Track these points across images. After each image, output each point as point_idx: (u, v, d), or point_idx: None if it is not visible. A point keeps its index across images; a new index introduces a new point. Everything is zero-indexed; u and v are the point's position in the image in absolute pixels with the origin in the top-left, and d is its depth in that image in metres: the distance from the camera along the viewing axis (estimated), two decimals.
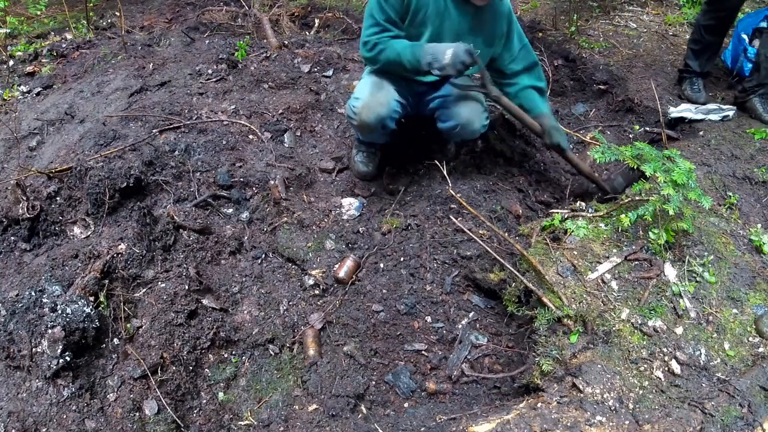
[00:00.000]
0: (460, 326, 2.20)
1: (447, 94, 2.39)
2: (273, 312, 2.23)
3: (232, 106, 2.98)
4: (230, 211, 2.52)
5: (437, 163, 2.42)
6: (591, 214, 2.19)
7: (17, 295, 1.99)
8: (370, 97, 2.31)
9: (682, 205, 1.94)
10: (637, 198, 2.10)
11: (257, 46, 3.67)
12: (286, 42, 3.66)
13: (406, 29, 2.29)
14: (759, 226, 2.18)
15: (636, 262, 2.00)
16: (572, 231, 2.12)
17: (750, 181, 2.41)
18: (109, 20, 4.56)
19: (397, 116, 2.40)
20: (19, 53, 4.00)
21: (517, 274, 2.00)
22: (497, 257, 2.11)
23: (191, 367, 2.03)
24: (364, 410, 1.97)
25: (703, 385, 1.70)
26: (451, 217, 2.38)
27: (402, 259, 2.35)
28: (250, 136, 2.83)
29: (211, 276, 2.28)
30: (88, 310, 1.91)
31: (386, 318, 2.21)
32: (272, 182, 2.56)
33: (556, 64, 3.49)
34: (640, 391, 1.67)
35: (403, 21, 2.26)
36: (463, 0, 2.25)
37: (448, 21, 2.28)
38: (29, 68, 3.80)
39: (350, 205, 2.56)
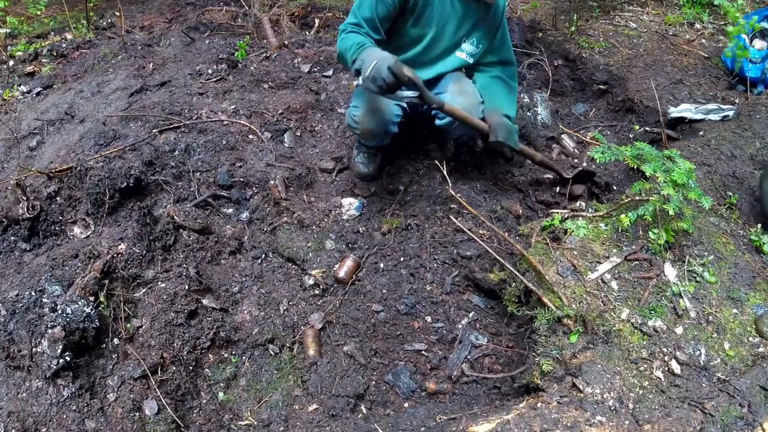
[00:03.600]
0: (460, 326, 2.20)
1: (442, 91, 2.40)
2: (273, 312, 2.23)
3: (232, 106, 2.98)
4: (230, 211, 2.52)
5: (437, 163, 2.42)
6: (591, 214, 2.19)
7: (17, 295, 1.99)
8: (369, 104, 2.30)
9: (682, 205, 1.94)
10: (637, 198, 2.10)
11: (257, 46, 3.67)
12: (286, 42, 3.66)
13: (409, 31, 2.28)
14: (759, 226, 2.18)
15: (636, 262, 2.00)
16: (572, 231, 2.12)
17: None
18: (109, 20, 4.56)
19: (399, 119, 2.39)
20: (19, 53, 4.00)
21: (517, 274, 2.00)
22: (497, 257, 2.11)
23: (191, 367, 2.03)
24: (364, 410, 1.97)
25: (703, 385, 1.70)
26: (451, 217, 2.38)
27: (402, 259, 2.35)
28: (250, 136, 2.83)
29: (211, 276, 2.28)
30: (88, 310, 1.91)
31: (386, 318, 2.21)
32: (272, 182, 2.56)
33: (556, 64, 3.49)
34: (640, 391, 1.67)
35: (393, 23, 2.24)
36: None
37: (453, 19, 2.28)
38: (29, 68, 3.80)
39: (350, 205, 2.56)
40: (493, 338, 2.18)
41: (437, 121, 2.44)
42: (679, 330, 1.83)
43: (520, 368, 1.98)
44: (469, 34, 2.37)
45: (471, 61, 2.46)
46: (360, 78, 1.97)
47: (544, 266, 2.00)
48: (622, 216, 2.05)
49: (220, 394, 2.04)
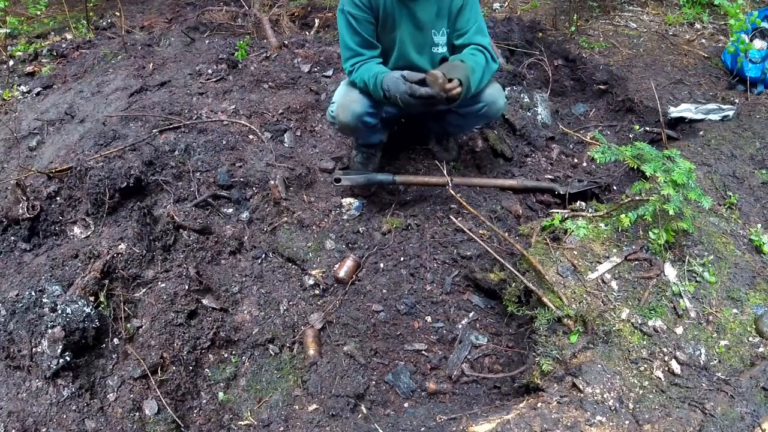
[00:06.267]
0: (460, 326, 2.20)
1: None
2: (273, 312, 2.23)
3: (232, 106, 2.98)
4: (230, 211, 2.52)
5: (437, 163, 2.41)
6: (591, 214, 2.19)
7: (17, 295, 1.99)
8: (344, 97, 2.32)
9: (682, 205, 1.94)
10: (637, 198, 2.10)
11: (257, 46, 3.67)
12: (286, 42, 3.66)
13: (381, 38, 2.28)
14: (759, 226, 2.18)
15: (636, 262, 2.00)
16: (572, 231, 2.12)
17: (750, 180, 2.41)
18: (109, 20, 4.56)
19: (374, 110, 2.33)
20: (19, 53, 4.00)
21: (517, 274, 2.00)
22: (497, 257, 2.11)
23: (191, 367, 2.04)
24: (364, 410, 1.97)
25: (703, 385, 1.70)
26: (451, 217, 2.38)
27: (402, 259, 2.35)
28: (250, 136, 2.83)
29: (211, 276, 2.28)
30: (88, 310, 1.91)
31: (386, 318, 2.21)
32: (272, 182, 2.56)
33: (556, 64, 3.49)
34: (640, 391, 1.67)
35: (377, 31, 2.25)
36: None
37: (414, 18, 2.24)
38: (29, 68, 3.81)
39: (350, 205, 2.56)
40: (493, 338, 2.18)
41: (462, 109, 2.31)
42: (679, 330, 1.83)
43: (520, 368, 1.98)
44: (434, 25, 2.29)
45: (446, 50, 2.36)
46: (398, 101, 2.13)
47: (544, 266, 2.00)
48: (622, 216, 2.05)
49: (220, 394, 2.04)
